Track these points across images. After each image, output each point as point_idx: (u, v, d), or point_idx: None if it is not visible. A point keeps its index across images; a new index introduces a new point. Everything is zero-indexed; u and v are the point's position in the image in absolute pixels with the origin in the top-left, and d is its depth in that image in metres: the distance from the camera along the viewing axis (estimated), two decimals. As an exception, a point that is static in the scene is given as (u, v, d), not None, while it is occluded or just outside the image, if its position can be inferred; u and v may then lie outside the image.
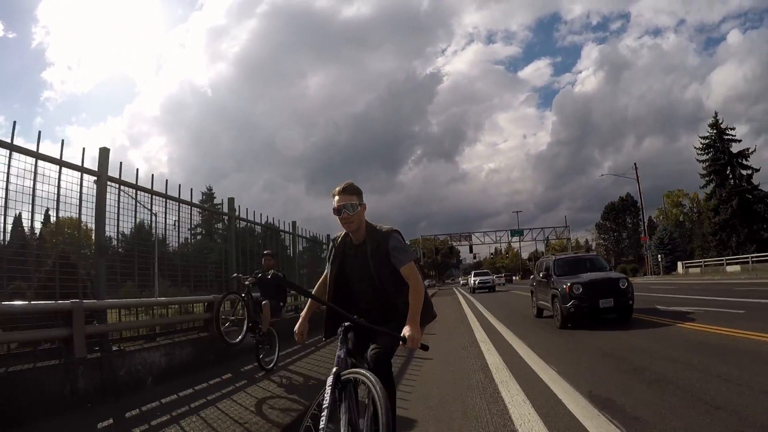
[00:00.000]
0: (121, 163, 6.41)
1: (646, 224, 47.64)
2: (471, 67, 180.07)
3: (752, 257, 28.12)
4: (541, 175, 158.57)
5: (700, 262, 36.08)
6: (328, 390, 2.30)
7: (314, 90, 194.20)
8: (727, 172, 42.44)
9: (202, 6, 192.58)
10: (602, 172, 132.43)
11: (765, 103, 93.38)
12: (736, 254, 34.48)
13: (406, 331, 2.62)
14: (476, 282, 35.76)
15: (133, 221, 6.93)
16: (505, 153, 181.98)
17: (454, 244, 69.31)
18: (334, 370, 2.40)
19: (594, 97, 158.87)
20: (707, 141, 43.40)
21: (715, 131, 43.27)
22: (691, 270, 35.34)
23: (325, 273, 3.15)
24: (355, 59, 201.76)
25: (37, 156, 5.03)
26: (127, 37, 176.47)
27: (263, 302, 6.67)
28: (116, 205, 6.36)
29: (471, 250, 67.60)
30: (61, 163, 5.30)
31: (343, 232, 3.05)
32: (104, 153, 5.99)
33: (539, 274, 12.10)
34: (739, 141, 43.24)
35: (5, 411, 4.10)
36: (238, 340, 6.32)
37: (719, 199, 41.44)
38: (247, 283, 6.64)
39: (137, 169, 6.74)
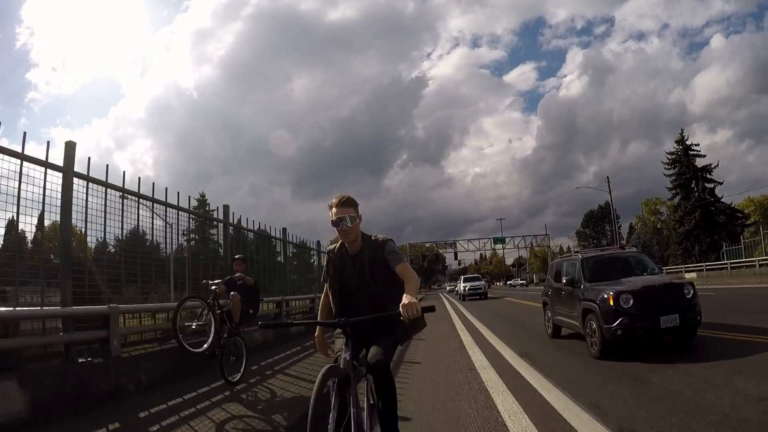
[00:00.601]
0: (123, 172, 6.39)
1: (617, 234, 50.39)
2: (456, 71, 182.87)
3: (705, 266, 30.93)
4: (527, 180, 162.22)
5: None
6: (331, 386, 2.42)
7: (299, 93, 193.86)
8: (692, 185, 45.53)
9: (187, 8, 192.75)
10: (588, 177, 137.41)
11: (748, 107, 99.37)
12: (699, 262, 37.36)
13: (401, 304, 2.60)
14: (466, 288, 31.86)
15: (128, 226, 6.91)
16: (490, 157, 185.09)
17: (440, 251, 71.48)
18: (327, 366, 2.46)
19: (579, 101, 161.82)
20: (673, 156, 46.48)
21: (681, 147, 46.42)
22: (655, 276, 38.05)
23: (325, 289, 3.22)
24: (340, 63, 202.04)
25: (23, 158, 5.06)
26: (112, 38, 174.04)
27: (231, 293, 6.40)
28: (115, 209, 6.53)
29: (456, 257, 69.91)
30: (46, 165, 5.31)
31: (338, 243, 3.18)
32: (70, 147, 5.76)
33: (556, 280, 9.21)
34: (704, 156, 46.34)
35: (58, 402, 4.62)
36: (203, 349, 5.77)
37: (684, 210, 44.49)
38: (213, 288, 6.31)
39: (123, 172, 6.58)
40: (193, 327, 6.12)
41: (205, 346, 5.78)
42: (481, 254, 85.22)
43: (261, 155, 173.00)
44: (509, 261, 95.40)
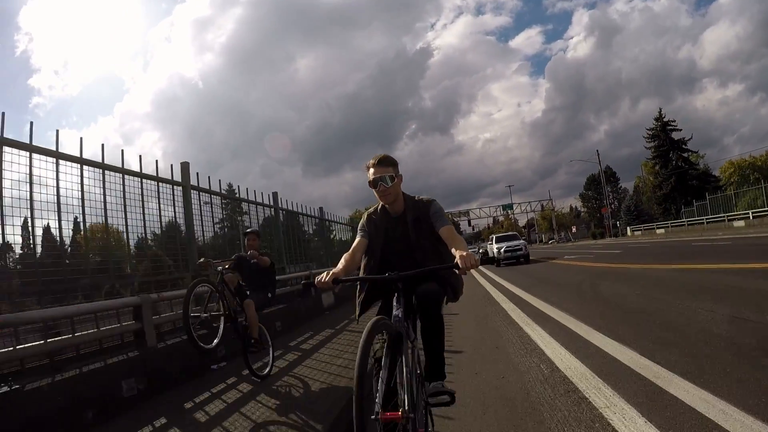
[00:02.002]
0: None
1: (607, 198, 58.90)
2: (461, 39, 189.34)
3: (671, 223, 39.76)
4: (538, 142, 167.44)
5: (641, 227, 47.51)
6: (382, 344, 2.28)
7: (304, 73, 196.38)
8: (670, 155, 53.70)
9: None
10: (599, 136, 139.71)
11: (758, 61, 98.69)
12: (690, 218, 45.59)
13: (457, 256, 2.42)
14: (501, 250, 24.28)
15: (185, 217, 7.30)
16: (500, 122, 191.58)
17: (455, 219, 78.91)
18: (375, 318, 2.18)
19: (587, 62, 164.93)
20: (653, 132, 54.50)
21: (659, 123, 54.36)
22: (636, 233, 46.68)
23: (353, 246, 2.87)
24: (343, 39, 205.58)
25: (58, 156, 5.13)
26: (111, 35, 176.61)
27: (245, 301, 5.41)
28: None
29: (470, 224, 77.43)
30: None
31: (377, 205, 2.97)
32: (185, 167, 6.71)
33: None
34: (680, 130, 54.41)
35: (107, 399, 4.37)
36: (213, 344, 5.00)
37: (662, 177, 52.83)
38: (219, 269, 5.30)
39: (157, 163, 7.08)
40: (205, 316, 5.01)
41: (216, 341, 5.06)
42: (494, 218, 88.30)
43: (270, 137, 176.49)
44: (522, 223, 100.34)
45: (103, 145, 5.96)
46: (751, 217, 28.09)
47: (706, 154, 58.39)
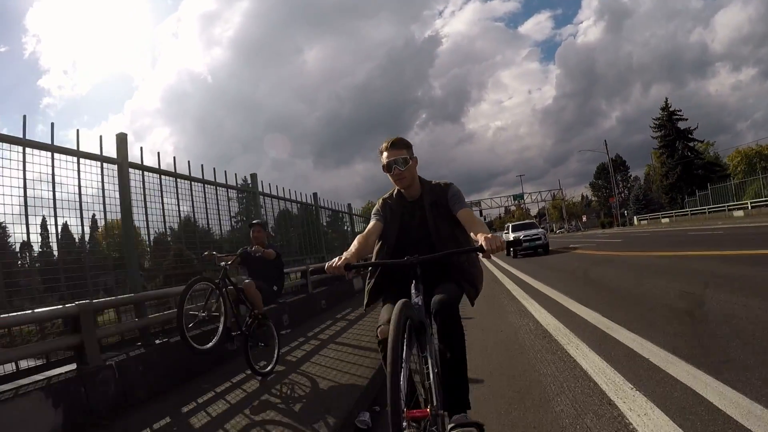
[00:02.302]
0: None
1: (614, 187, 60.05)
2: (470, 26, 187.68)
3: (675, 212, 41.03)
4: (549, 130, 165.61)
5: (647, 216, 48.76)
6: (392, 332, 1.84)
7: (313, 65, 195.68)
8: (676, 144, 54.71)
9: None
10: (611, 123, 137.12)
11: None
12: (683, 208, 46.84)
13: (481, 239, 2.29)
14: (522, 239, 21.56)
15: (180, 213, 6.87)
16: (511, 110, 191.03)
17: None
18: (406, 301, 2.04)
19: (597, 47, 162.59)
20: (659, 121, 55.49)
21: (665, 113, 55.33)
22: (643, 222, 47.94)
23: (367, 230, 2.74)
24: (351, 29, 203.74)
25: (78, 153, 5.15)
26: (118, 33, 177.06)
27: (245, 281, 5.17)
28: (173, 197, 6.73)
29: (481, 214, 78.51)
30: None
31: (392, 190, 2.87)
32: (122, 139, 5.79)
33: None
34: (686, 119, 55.35)
35: None
36: (209, 345, 4.60)
37: (668, 166, 53.92)
38: (222, 264, 5.02)
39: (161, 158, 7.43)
40: (202, 316, 4.64)
41: (214, 341, 4.64)
42: (505, 208, 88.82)
43: (280, 130, 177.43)
44: (534, 212, 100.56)
45: (142, 148, 6.38)
46: (749, 207, 29.32)
47: (716, 142, 59.18)
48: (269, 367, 5.14)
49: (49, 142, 4.94)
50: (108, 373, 4.58)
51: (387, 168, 2.71)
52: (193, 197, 7.44)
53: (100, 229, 6.23)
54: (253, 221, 6.01)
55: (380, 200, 2.91)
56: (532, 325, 6.14)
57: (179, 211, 7.08)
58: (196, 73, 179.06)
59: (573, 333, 5.25)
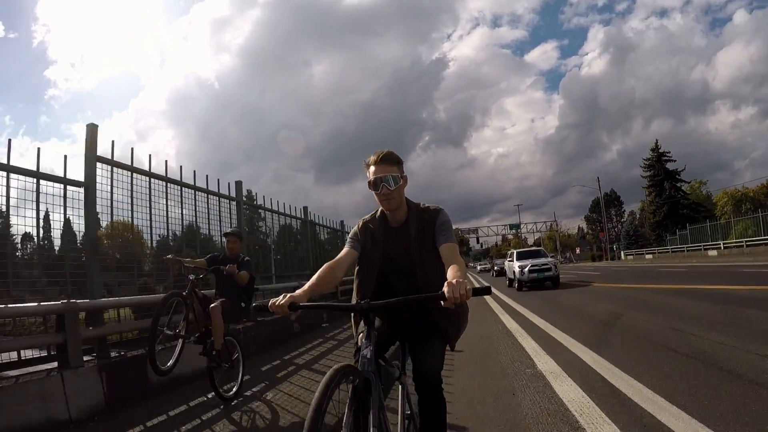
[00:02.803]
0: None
1: (606, 223, 63.01)
2: (477, 51, 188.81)
3: (658, 249, 43.89)
4: (550, 159, 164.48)
5: (632, 252, 51.53)
6: (341, 394, 1.68)
7: (320, 79, 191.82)
8: (664, 184, 57.77)
9: None
10: (611, 156, 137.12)
11: None
12: (673, 245, 49.55)
13: (447, 283, 1.86)
14: (525, 270, 18.68)
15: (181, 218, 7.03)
16: (513, 137, 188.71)
17: (464, 236, 79.58)
18: (339, 365, 1.72)
19: (601, 79, 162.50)
20: (649, 162, 58.69)
21: (655, 153, 58.55)
22: (629, 257, 50.59)
23: (338, 256, 2.39)
24: (360, 47, 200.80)
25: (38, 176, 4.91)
26: (129, 31, 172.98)
27: (211, 306, 4.75)
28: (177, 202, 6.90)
29: (478, 241, 79.95)
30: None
31: (373, 212, 2.52)
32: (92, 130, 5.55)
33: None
34: (675, 161, 58.53)
35: None
36: (168, 365, 4.41)
37: (656, 205, 56.91)
38: (191, 278, 4.71)
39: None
40: (169, 333, 4.43)
41: (171, 361, 4.45)
42: (503, 236, 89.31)
43: (284, 142, 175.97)
44: (530, 242, 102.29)
45: (167, 161, 6.70)
46: (722, 248, 32.11)
47: (708, 181, 61.96)
48: (234, 390, 4.85)
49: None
50: (90, 376, 4.46)
51: (374, 185, 2.33)
52: (183, 202, 7.44)
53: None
54: (229, 230, 5.59)
55: (360, 223, 2.54)
56: (502, 329, 8.72)
57: (167, 215, 7.01)
58: (204, 78, 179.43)
59: (538, 344, 7.29)
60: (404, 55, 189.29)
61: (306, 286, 2.14)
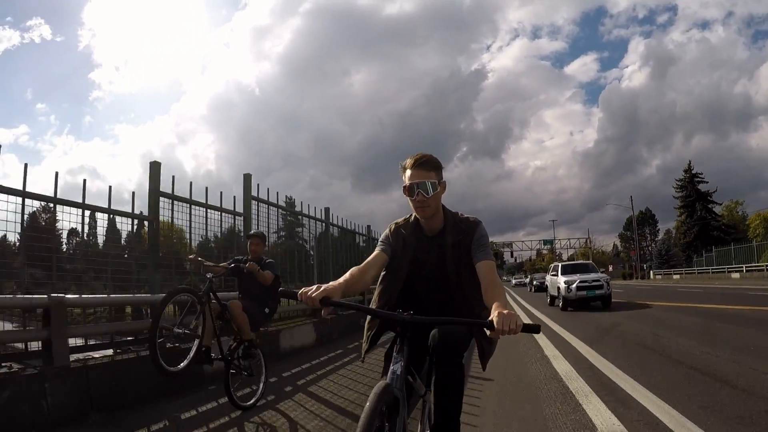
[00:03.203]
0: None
1: (638, 243, 64.39)
2: (516, 63, 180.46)
3: (685, 270, 45.44)
4: (588, 173, 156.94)
5: (662, 271, 52.89)
6: (368, 411, 1.50)
7: (358, 88, 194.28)
8: (695, 205, 59.04)
9: (245, 5, 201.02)
10: (650, 171, 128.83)
11: None
12: (700, 266, 50.76)
13: (494, 313, 1.76)
14: (572, 287, 16.07)
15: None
16: (551, 150, 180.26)
17: (499, 249, 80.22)
18: (382, 384, 1.63)
19: (641, 92, 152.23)
20: (681, 183, 60.06)
21: (688, 174, 59.93)
22: (657, 277, 51.83)
23: (368, 259, 2.25)
24: (398, 56, 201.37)
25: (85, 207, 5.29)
26: (172, 37, 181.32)
27: (231, 302, 4.72)
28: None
29: (512, 255, 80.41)
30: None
31: (407, 216, 2.37)
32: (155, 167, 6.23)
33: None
34: (707, 182, 59.79)
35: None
36: (180, 367, 4.14)
37: (687, 226, 58.20)
38: (209, 276, 4.54)
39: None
40: (178, 332, 4.24)
41: (185, 362, 4.18)
42: (537, 251, 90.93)
43: (321, 149, 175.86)
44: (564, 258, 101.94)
45: (208, 188, 7.09)
46: (744, 271, 33.78)
47: (745, 201, 62.36)
48: (252, 401, 4.61)
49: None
50: (74, 375, 4.25)
51: (409, 191, 2.17)
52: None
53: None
54: (251, 233, 5.45)
55: (392, 226, 2.36)
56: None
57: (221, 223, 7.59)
58: (244, 85, 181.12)
59: (553, 345, 8.41)
60: (443, 65, 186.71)
61: (341, 280, 2.00)
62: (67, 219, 5.24)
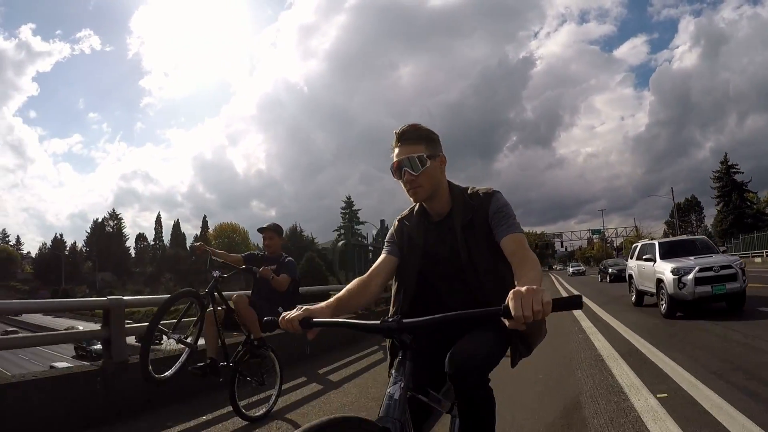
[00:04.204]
0: None
1: (678, 229, 68.61)
2: (564, 49, 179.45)
3: (717, 256, 50.31)
4: (640, 158, 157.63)
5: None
6: None
7: (407, 80, 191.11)
8: (732, 196, 63.27)
9: (290, 5, 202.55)
10: (704, 153, 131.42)
11: None
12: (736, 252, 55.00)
13: (512, 292, 1.26)
14: (689, 280, 8.85)
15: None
16: (602, 136, 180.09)
17: (549, 240, 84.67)
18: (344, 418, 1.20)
19: (693, 73, 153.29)
20: (718, 174, 64.36)
21: (724, 166, 64.15)
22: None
23: (374, 265, 1.92)
24: (446, 47, 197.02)
25: None
26: (219, 40, 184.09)
27: (236, 296, 4.30)
28: None
29: (562, 245, 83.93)
30: None
31: (411, 206, 1.98)
32: None
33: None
34: (743, 173, 63.74)
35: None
36: (167, 375, 3.84)
37: (723, 214, 62.68)
38: (216, 274, 4.13)
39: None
40: (174, 338, 3.90)
41: (172, 370, 3.88)
42: (588, 239, 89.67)
43: (371, 144, 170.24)
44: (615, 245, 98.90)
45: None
46: (765, 255, 38.72)
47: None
48: (262, 411, 4.11)
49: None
50: (131, 370, 4.35)
51: (396, 171, 1.80)
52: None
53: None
54: (263, 226, 4.71)
55: (396, 222, 2.02)
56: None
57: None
58: (292, 83, 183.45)
59: (585, 318, 9.21)
60: (491, 54, 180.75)
61: (331, 300, 1.68)
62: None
